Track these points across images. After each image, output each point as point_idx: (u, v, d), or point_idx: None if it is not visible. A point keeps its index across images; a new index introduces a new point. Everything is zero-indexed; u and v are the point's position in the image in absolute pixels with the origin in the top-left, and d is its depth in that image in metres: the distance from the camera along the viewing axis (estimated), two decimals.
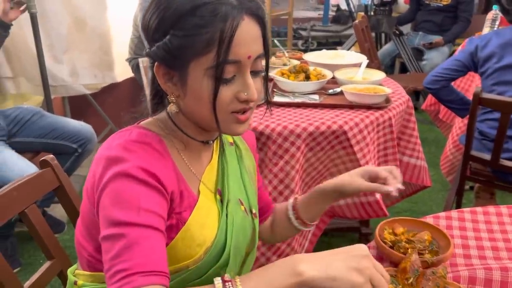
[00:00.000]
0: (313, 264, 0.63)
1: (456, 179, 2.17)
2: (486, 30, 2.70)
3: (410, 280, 0.78)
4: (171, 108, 0.83)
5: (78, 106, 3.12)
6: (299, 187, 1.60)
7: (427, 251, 0.87)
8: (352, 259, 0.64)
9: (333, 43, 5.93)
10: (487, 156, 1.91)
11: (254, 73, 0.78)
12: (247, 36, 0.73)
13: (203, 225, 0.82)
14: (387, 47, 4.17)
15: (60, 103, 3.07)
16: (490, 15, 2.68)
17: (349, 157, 1.61)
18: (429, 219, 1.00)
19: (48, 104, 2.40)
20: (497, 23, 2.67)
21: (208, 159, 0.91)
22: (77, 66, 2.89)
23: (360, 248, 0.66)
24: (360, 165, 1.60)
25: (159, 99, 0.86)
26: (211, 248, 0.82)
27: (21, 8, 2.16)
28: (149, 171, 0.72)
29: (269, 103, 0.88)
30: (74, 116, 2.47)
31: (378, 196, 1.67)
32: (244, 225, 0.91)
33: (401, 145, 1.91)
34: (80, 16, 2.84)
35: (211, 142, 0.89)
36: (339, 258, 0.64)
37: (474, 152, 1.97)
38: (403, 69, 4.22)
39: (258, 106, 0.95)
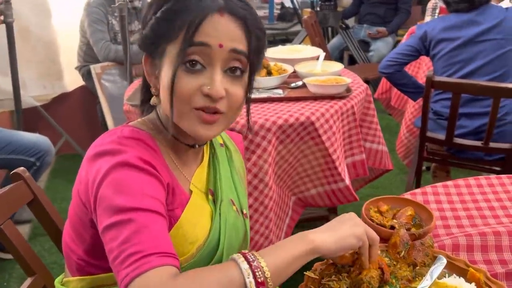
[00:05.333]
0: (321, 232, 0.72)
1: (414, 161, 2.28)
2: (427, 18, 2.86)
3: (402, 254, 0.82)
4: (154, 101, 0.84)
5: (29, 119, 2.98)
6: (272, 180, 1.62)
7: (411, 225, 0.92)
8: (350, 221, 0.75)
9: (281, 40, 6.00)
10: (441, 136, 2.03)
11: (232, 75, 0.76)
12: (220, 27, 0.73)
13: (196, 223, 0.83)
14: (334, 41, 4.30)
15: (8, 117, 2.93)
16: (430, 4, 2.84)
17: (318, 146, 1.65)
18: (407, 196, 1.06)
19: (18, 118, 2.33)
20: (437, 11, 2.83)
21: (197, 161, 0.91)
22: (24, 78, 2.76)
23: (351, 216, 0.77)
24: (329, 154, 1.65)
25: (149, 97, 0.86)
26: (203, 246, 0.83)
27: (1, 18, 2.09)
28: (147, 161, 0.73)
29: (248, 101, 0.86)
30: (26, 130, 2.36)
31: (347, 182, 1.72)
32: (237, 225, 0.92)
33: (362, 132, 1.98)
34: (24, 24, 2.72)
35: (197, 146, 0.88)
36: (339, 224, 0.75)
37: (429, 133, 2.08)
38: (352, 61, 4.36)
39: None
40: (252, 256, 0.66)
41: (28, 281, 1.04)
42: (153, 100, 0.84)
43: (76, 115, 3.26)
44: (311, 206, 1.86)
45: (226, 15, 0.74)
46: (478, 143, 1.97)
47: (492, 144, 1.93)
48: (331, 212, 2.31)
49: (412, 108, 2.71)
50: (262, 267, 0.65)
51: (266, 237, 1.65)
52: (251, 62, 0.77)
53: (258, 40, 0.77)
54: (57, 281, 0.94)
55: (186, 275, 0.64)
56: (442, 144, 2.10)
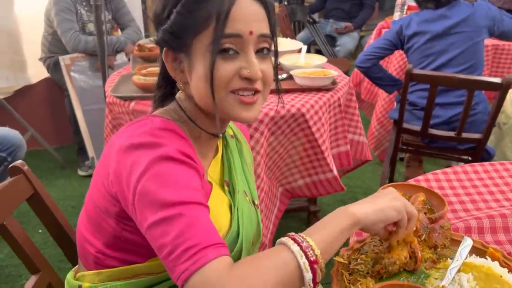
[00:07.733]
0: (360, 205, 0.74)
1: (389, 151, 2.36)
2: (396, 14, 2.95)
3: (423, 237, 0.86)
4: (180, 96, 0.83)
5: None
6: (264, 172, 1.63)
7: (425, 210, 0.95)
8: (390, 195, 0.77)
9: None
10: (417, 127, 2.11)
11: (261, 55, 0.78)
12: (247, 11, 0.74)
13: (218, 214, 0.84)
14: (301, 35, 4.34)
15: None
16: (399, 1, 2.93)
17: (308, 138, 1.67)
18: (412, 182, 1.10)
19: None
20: (406, 7, 2.93)
21: (213, 152, 0.91)
22: None
23: (390, 191, 0.80)
24: (318, 145, 1.68)
25: (170, 89, 0.86)
26: (225, 237, 0.83)
27: None
28: (186, 153, 0.73)
29: (280, 91, 0.91)
30: None
31: (335, 172, 1.76)
32: (251, 216, 0.92)
33: (345, 124, 2.02)
34: None
35: (220, 135, 0.89)
36: (378, 197, 0.76)
37: (405, 124, 2.15)
38: None
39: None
40: (300, 238, 0.67)
41: (33, 279, 0.99)
42: (179, 95, 0.82)
43: (41, 108, 3.11)
44: (298, 196, 1.88)
45: None
46: (451, 134, 2.06)
47: (465, 134, 2.04)
48: (310, 203, 2.35)
49: (383, 101, 2.80)
50: (311, 246, 0.66)
51: None
52: (274, 41, 0.80)
53: (274, 15, 0.79)
54: (69, 276, 0.91)
55: (241, 264, 0.64)
56: (417, 135, 2.18)
